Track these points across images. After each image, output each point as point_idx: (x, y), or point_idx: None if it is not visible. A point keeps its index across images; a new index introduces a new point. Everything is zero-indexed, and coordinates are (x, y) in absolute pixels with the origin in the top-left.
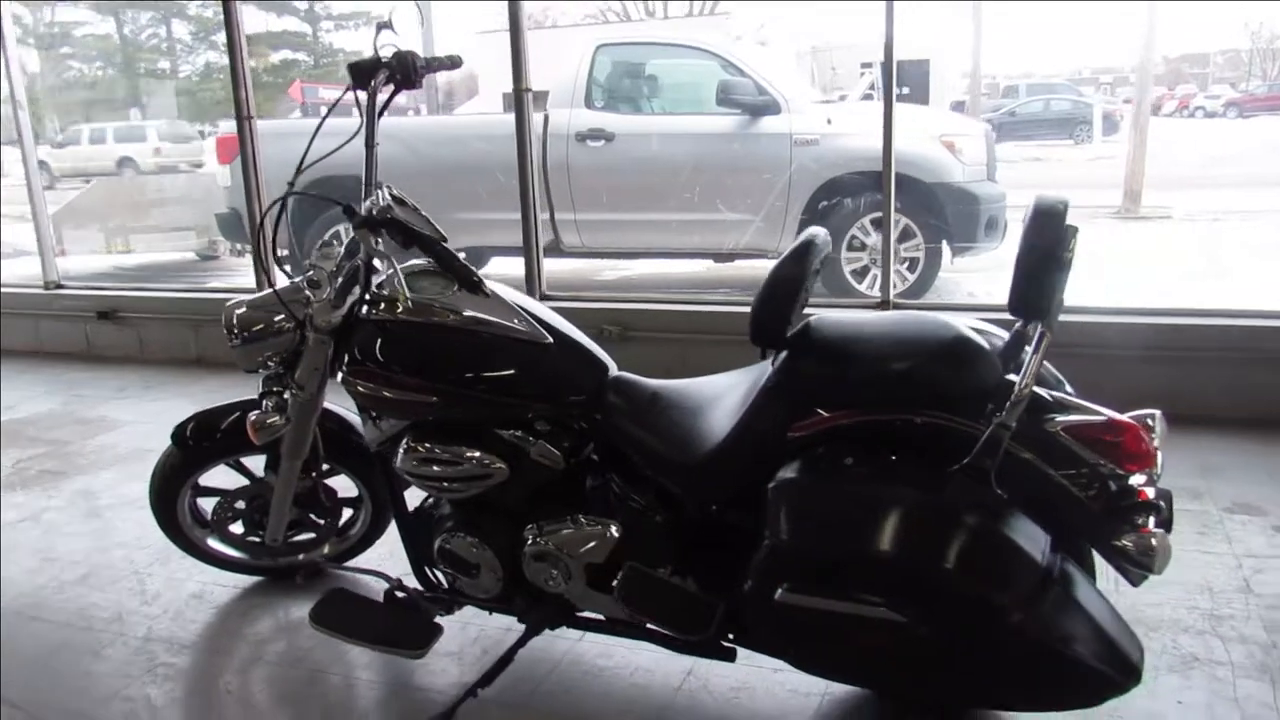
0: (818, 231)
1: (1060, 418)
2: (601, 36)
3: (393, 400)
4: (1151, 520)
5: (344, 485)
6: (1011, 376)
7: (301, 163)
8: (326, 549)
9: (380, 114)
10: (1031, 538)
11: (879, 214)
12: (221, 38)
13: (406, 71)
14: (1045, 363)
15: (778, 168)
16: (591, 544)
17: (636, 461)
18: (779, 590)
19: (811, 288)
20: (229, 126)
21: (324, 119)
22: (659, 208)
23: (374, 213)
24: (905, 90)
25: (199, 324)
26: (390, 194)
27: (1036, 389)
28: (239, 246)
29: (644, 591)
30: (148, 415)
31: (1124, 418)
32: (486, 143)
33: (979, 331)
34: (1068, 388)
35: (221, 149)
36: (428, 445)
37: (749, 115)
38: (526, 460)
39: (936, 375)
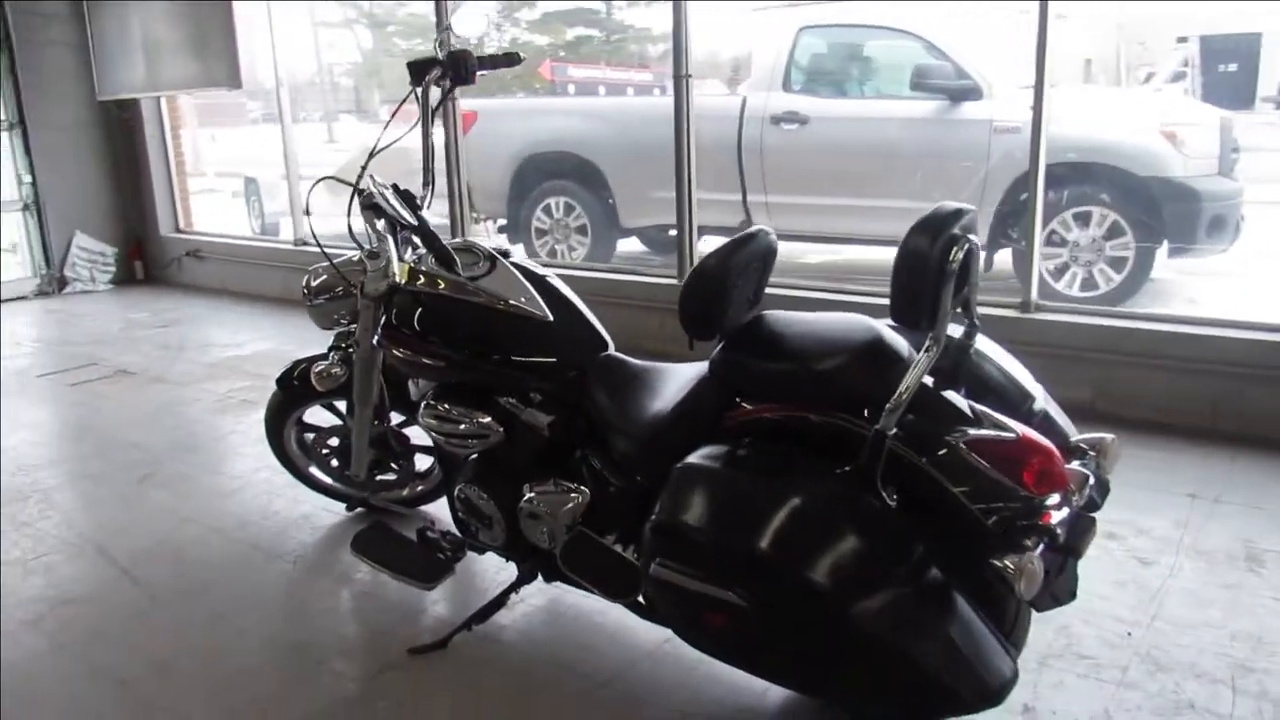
0: (758, 230)
1: (971, 431)
2: (806, 18)
3: (412, 362)
4: (1040, 545)
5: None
6: (927, 381)
7: (374, 149)
8: (405, 491)
9: (437, 108)
10: (891, 542)
11: (1083, 208)
12: (524, 14)
13: (459, 69)
14: (1016, 371)
15: (975, 156)
16: (565, 506)
17: (601, 433)
18: (653, 564)
19: (753, 283)
20: (467, 104)
21: (394, 113)
22: (849, 193)
23: (363, 198)
24: (1231, 68)
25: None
26: (386, 185)
27: (959, 401)
28: (476, 214)
29: (581, 554)
30: None
31: (1038, 439)
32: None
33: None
34: (1036, 400)
35: (462, 124)
36: (444, 405)
37: (948, 100)
38: (519, 424)
39: (844, 377)
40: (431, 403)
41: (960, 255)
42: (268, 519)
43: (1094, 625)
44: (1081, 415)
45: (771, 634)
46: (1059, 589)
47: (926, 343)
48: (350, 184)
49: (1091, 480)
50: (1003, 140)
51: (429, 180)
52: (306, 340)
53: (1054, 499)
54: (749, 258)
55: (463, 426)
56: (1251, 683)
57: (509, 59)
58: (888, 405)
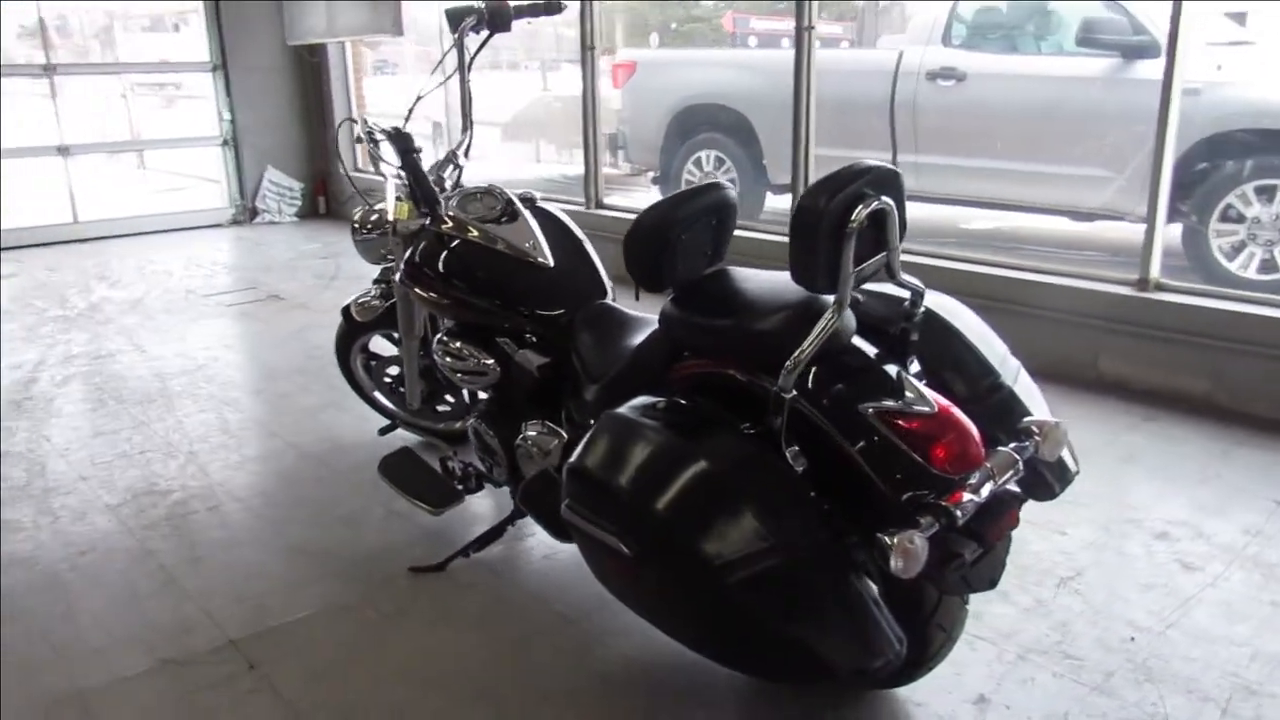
0: (712, 184)
1: (885, 402)
2: None
3: (427, 299)
4: (934, 526)
5: None
6: (869, 351)
7: (417, 99)
8: (459, 424)
9: (474, 56)
10: (780, 507)
11: (1270, 181)
12: None
13: (496, 18)
14: (984, 344)
15: (1149, 119)
16: (548, 448)
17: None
18: (563, 505)
19: (709, 237)
20: (626, 54)
21: (440, 61)
22: (1006, 155)
23: (365, 135)
24: None
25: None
26: (384, 128)
27: (889, 371)
28: (632, 165)
29: (534, 493)
30: None
31: (956, 416)
32: (844, 79)
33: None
34: (999, 377)
35: (616, 74)
36: (454, 342)
37: (1121, 58)
38: (513, 365)
39: (770, 337)
40: (444, 339)
41: (863, 214)
42: (340, 438)
43: (1099, 626)
44: (1194, 408)
45: (655, 587)
46: (974, 575)
47: (831, 306)
48: (383, 132)
49: (1019, 465)
50: (1181, 103)
51: (467, 125)
52: None
53: (973, 479)
54: (699, 211)
55: (466, 363)
56: (1248, 708)
57: (548, 7)
58: (785, 365)
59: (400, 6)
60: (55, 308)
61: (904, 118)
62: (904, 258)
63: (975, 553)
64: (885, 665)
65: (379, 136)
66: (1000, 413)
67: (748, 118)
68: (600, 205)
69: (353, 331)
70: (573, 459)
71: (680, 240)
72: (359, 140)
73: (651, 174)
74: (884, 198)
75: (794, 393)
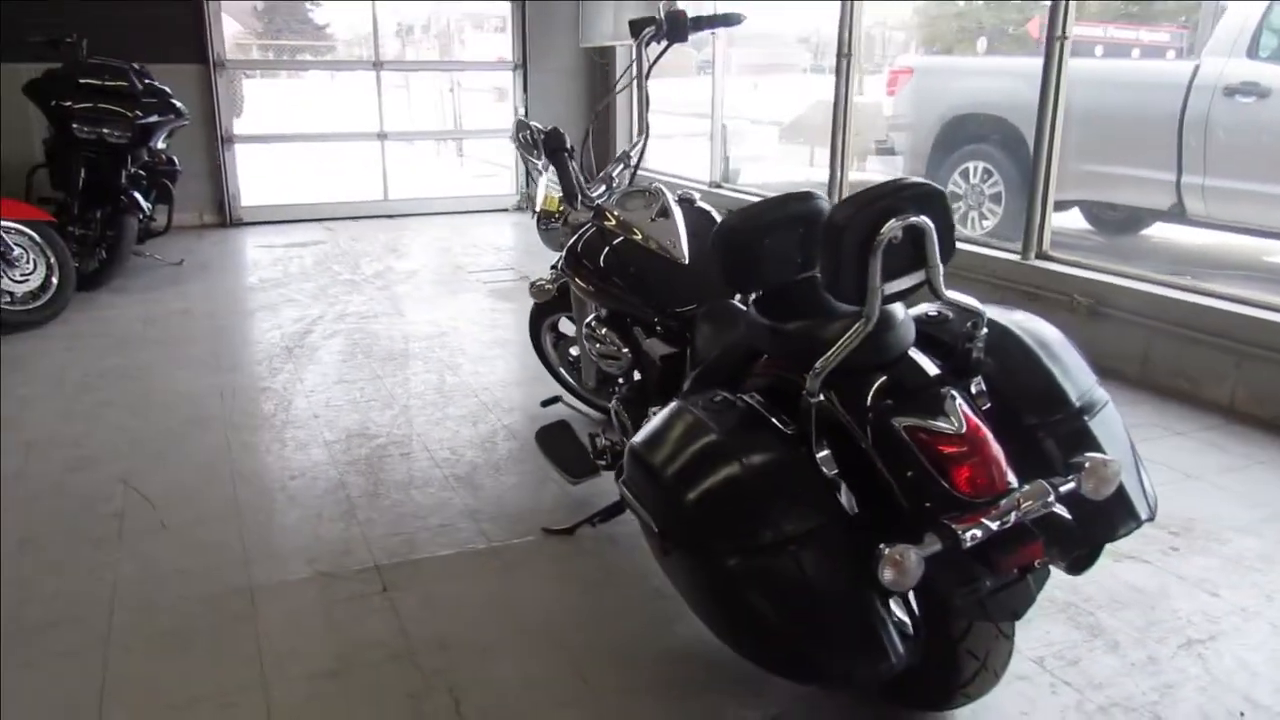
0: (806, 192)
1: (913, 418)
2: None
3: (577, 285)
4: (935, 545)
5: None
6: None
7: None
8: None
9: (652, 64)
10: (795, 507)
11: None
12: None
13: (674, 28)
14: (1065, 374)
15: None
16: None
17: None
18: (620, 479)
19: (795, 244)
20: (905, 60)
21: (628, 68)
22: None
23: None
24: None
25: None
26: (541, 127)
27: (941, 388)
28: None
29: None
30: None
31: (984, 439)
32: (1128, 91)
33: (929, 314)
34: (1069, 409)
35: (893, 81)
36: (600, 328)
37: None
38: (642, 354)
39: (816, 343)
40: (591, 324)
41: (895, 229)
42: (532, 408)
43: (1209, 695)
44: None
45: (678, 565)
46: (993, 603)
47: (861, 319)
48: (532, 132)
49: (1051, 498)
50: None
51: (642, 128)
52: None
53: (998, 506)
54: (786, 219)
55: (606, 348)
56: None
57: (726, 19)
58: (813, 369)
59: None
60: (347, 273)
61: (1193, 136)
62: (1166, 291)
63: (996, 581)
64: (874, 674)
65: (537, 135)
66: (1068, 445)
67: (1020, 130)
68: None
69: (543, 311)
70: (633, 439)
71: (764, 245)
72: (515, 139)
73: None
74: (920, 215)
75: (820, 397)
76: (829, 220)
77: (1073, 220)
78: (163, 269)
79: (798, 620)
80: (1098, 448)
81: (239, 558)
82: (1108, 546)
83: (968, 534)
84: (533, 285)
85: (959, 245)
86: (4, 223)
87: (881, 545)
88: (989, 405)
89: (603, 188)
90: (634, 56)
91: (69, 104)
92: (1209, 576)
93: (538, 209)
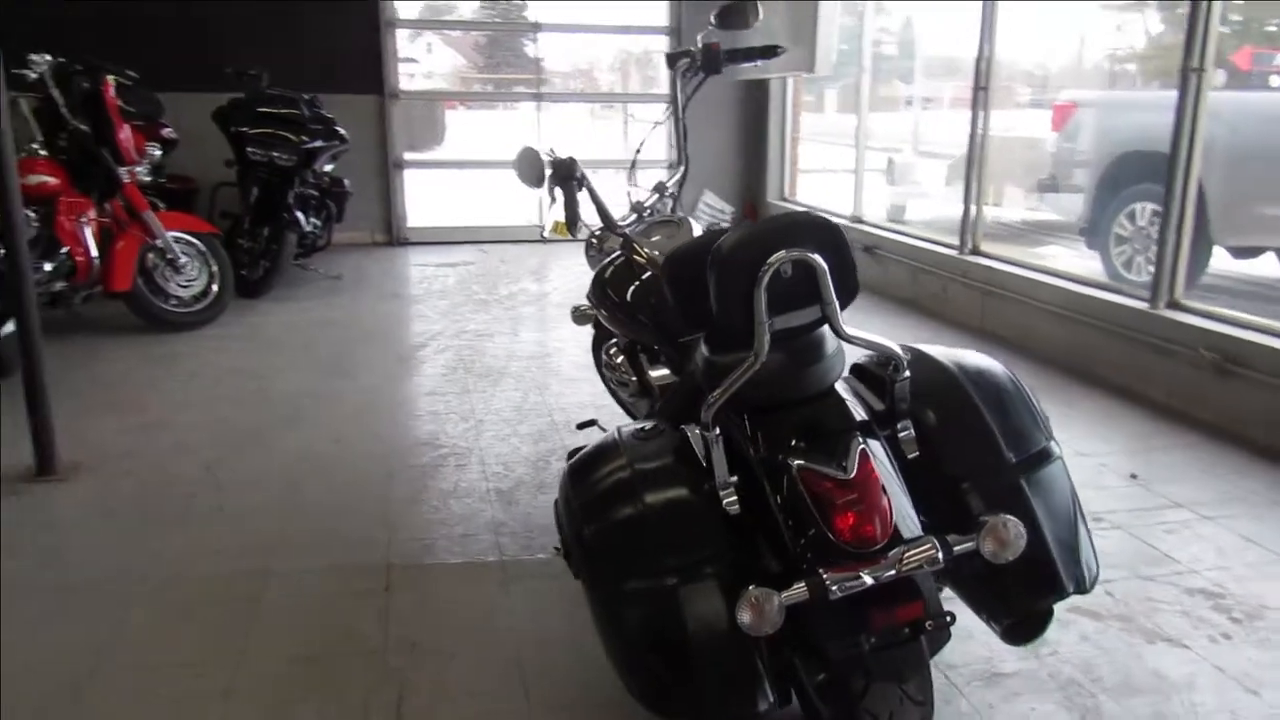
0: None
1: (806, 461)
2: None
3: (598, 309)
4: (803, 592)
5: None
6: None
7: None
8: None
9: (690, 96)
10: (679, 538)
11: None
12: None
13: (709, 61)
14: (1004, 424)
15: None
16: None
17: None
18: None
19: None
20: (1067, 95)
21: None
22: None
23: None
24: None
25: (918, 270)
26: (564, 158)
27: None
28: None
29: None
30: None
31: (871, 490)
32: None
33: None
34: (1022, 447)
35: (1058, 116)
36: (614, 353)
37: None
38: (645, 378)
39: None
40: (609, 350)
41: (785, 265)
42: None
43: None
44: None
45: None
46: (874, 661)
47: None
48: (553, 155)
49: (939, 558)
50: None
51: (681, 160)
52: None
53: (881, 559)
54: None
55: (616, 373)
56: None
57: (764, 51)
58: (705, 403)
59: (814, 47)
60: (482, 292)
61: None
62: None
63: (880, 637)
64: (698, 713)
65: (545, 163)
66: (993, 502)
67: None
68: (976, 252)
69: (604, 333)
70: (569, 462)
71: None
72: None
73: (1081, 224)
74: (807, 252)
75: (715, 431)
76: (715, 251)
77: (1269, 267)
78: (321, 282)
79: (666, 655)
80: (1026, 508)
81: (270, 544)
82: (1149, 621)
83: (836, 584)
84: (574, 310)
85: (1080, 290)
86: (174, 234)
87: (750, 587)
88: (916, 454)
89: (634, 217)
90: (670, 88)
91: (246, 129)
92: (1255, 672)
93: (546, 233)
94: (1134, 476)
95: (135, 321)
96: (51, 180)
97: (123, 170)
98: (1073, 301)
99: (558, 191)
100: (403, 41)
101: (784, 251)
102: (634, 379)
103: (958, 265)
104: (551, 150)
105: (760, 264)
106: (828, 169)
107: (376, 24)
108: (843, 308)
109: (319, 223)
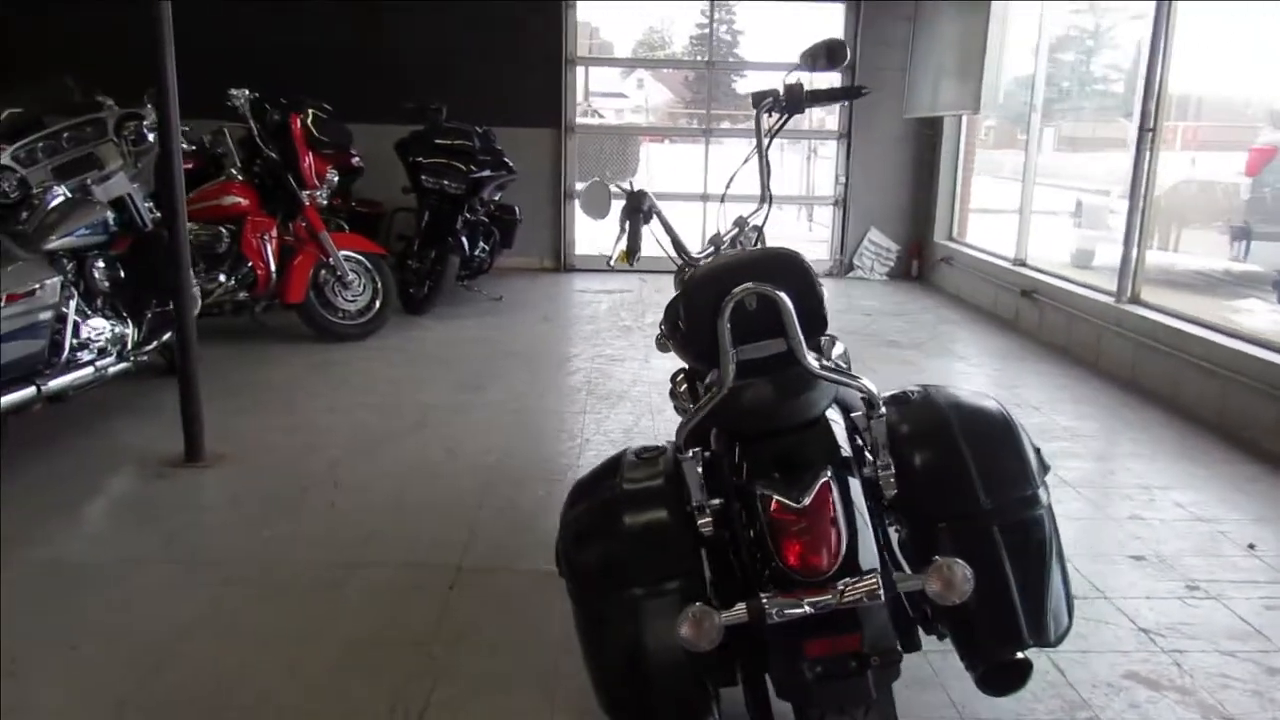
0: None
1: (769, 488)
2: None
3: (667, 338)
4: (742, 614)
5: None
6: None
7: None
8: None
9: (772, 136)
10: (640, 559)
11: None
12: None
13: (791, 101)
14: (984, 466)
15: None
16: None
17: None
18: None
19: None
20: (1268, 138)
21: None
22: None
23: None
24: None
25: (1074, 317)
26: (633, 190)
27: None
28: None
29: None
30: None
31: (821, 520)
32: None
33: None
34: (997, 494)
35: (1255, 160)
36: (682, 384)
37: None
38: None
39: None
40: (675, 379)
41: (748, 297)
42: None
43: None
44: None
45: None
46: (820, 690)
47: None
48: (622, 189)
49: (879, 593)
50: None
51: (765, 197)
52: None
53: (822, 587)
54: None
55: (679, 400)
56: None
57: (847, 92)
58: (678, 427)
59: (980, 86)
60: (629, 319)
61: None
62: None
63: (825, 666)
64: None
65: (615, 191)
66: (962, 545)
67: None
68: (1135, 300)
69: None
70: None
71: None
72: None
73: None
74: (770, 286)
75: (688, 454)
76: (685, 283)
77: None
78: (483, 303)
79: (625, 670)
80: (993, 555)
81: (364, 540)
82: (1212, 697)
83: (775, 609)
84: (657, 338)
85: (1241, 348)
86: (345, 252)
87: (695, 604)
88: (894, 492)
89: (711, 249)
90: (755, 127)
91: (421, 159)
92: None
93: (612, 261)
94: (1251, 547)
95: (306, 331)
96: (244, 201)
97: (304, 194)
98: (1231, 360)
99: (627, 223)
100: (614, 78)
101: (747, 284)
102: (691, 405)
103: (1113, 314)
104: (631, 183)
105: (721, 295)
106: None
107: (559, 61)
108: (810, 341)
109: (487, 247)
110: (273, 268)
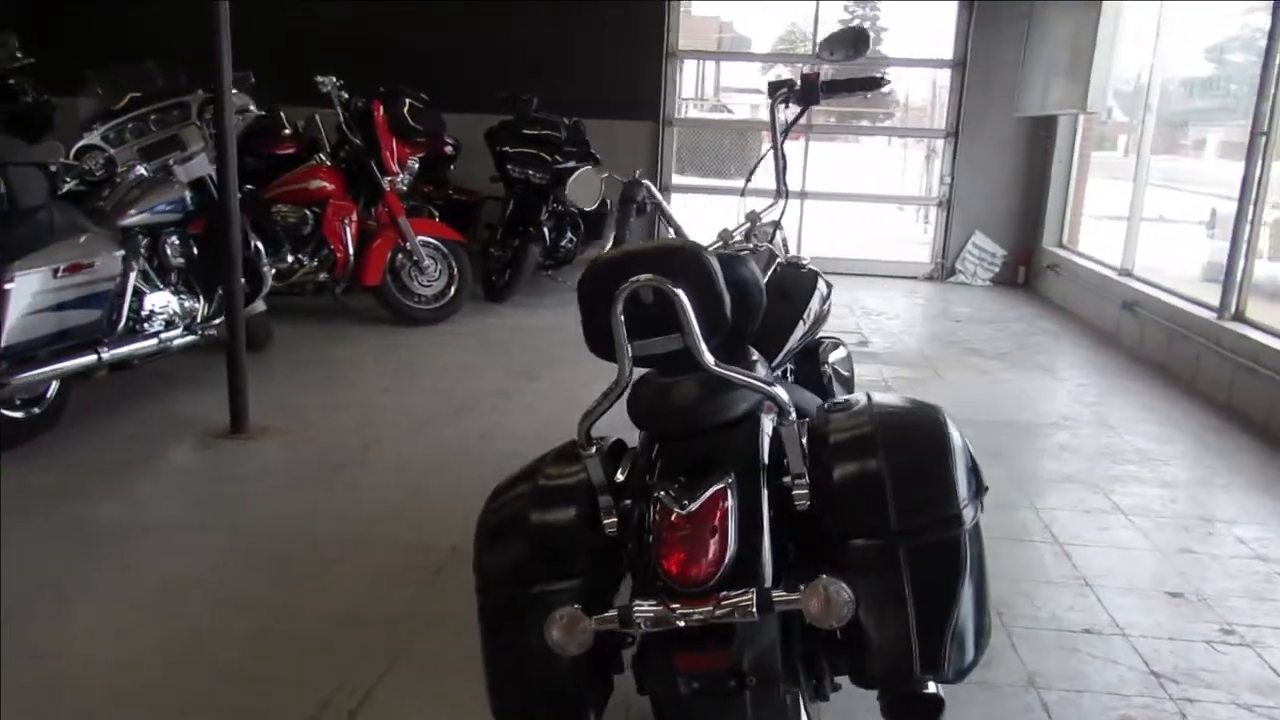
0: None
1: (669, 492)
2: None
3: None
4: (613, 619)
5: None
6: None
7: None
8: None
9: (790, 126)
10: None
11: None
12: None
13: (807, 92)
14: (910, 478)
15: None
16: None
17: None
18: None
19: None
20: None
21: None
22: None
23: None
24: None
25: (1174, 333)
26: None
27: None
28: None
29: None
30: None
31: (704, 530)
32: None
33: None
34: (912, 517)
35: None
36: None
37: None
38: None
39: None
40: None
41: (642, 290)
42: None
43: None
44: None
45: None
46: (697, 708)
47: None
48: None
49: (753, 610)
50: None
51: (781, 191)
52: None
53: (695, 599)
54: None
55: None
56: None
57: (864, 83)
58: (579, 423)
59: (1088, 85)
60: None
61: None
62: None
63: (702, 682)
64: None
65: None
66: (865, 565)
67: None
68: (1239, 318)
69: None
70: None
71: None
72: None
73: None
74: (660, 279)
75: (591, 451)
76: (584, 273)
77: None
78: (565, 293)
79: (509, 671)
80: (894, 580)
81: (377, 518)
82: None
83: (643, 618)
84: None
85: None
86: (423, 238)
87: (569, 607)
88: (806, 505)
89: (720, 244)
90: (770, 119)
91: (508, 149)
92: None
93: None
94: None
95: (382, 313)
96: (329, 185)
97: (385, 180)
98: None
99: (619, 213)
100: (751, 71)
101: (639, 277)
102: None
103: (1211, 331)
104: (637, 173)
105: (613, 287)
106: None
107: (661, 55)
108: (712, 339)
109: (574, 238)
110: (351, 250)
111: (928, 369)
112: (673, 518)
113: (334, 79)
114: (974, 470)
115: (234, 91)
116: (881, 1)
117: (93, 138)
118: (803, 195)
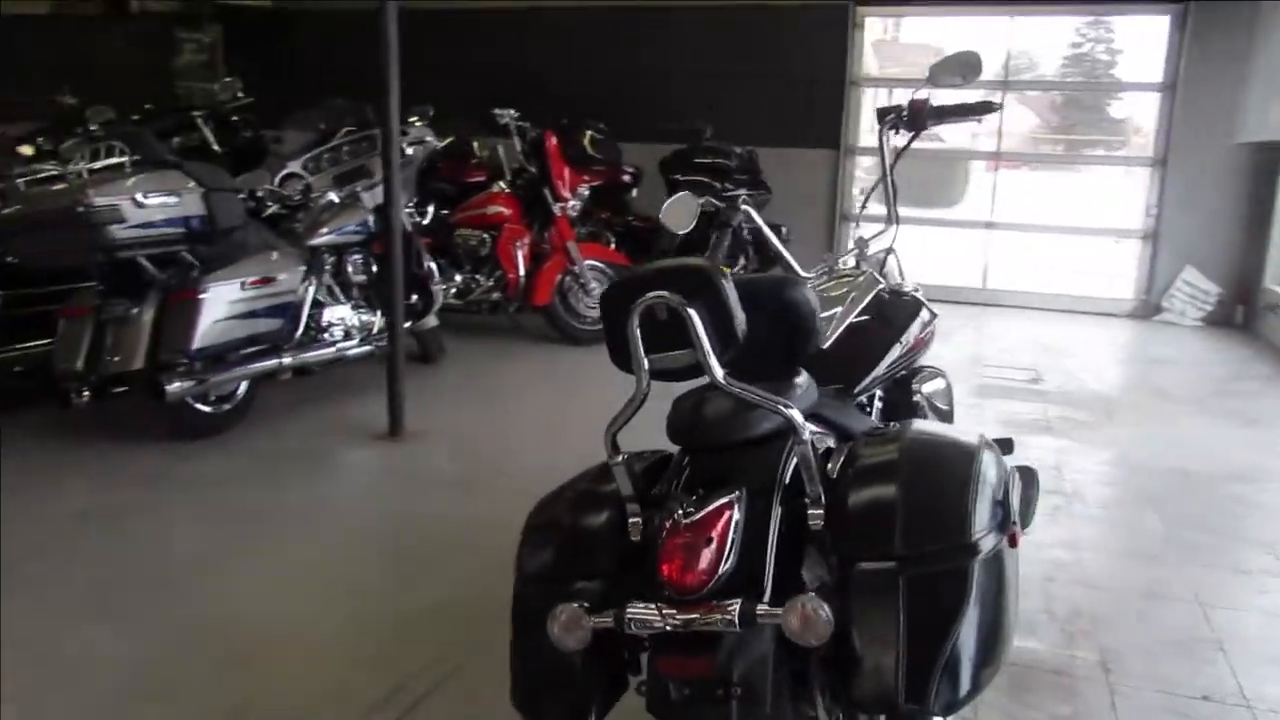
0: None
1: (685, 505)
2: None
3: None
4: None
5: None
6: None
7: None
8: None
9: (899, 154)
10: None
11: None
12: None
13: (915, 118)
14: (918, 505)
15: None
16: None
17: None
18: None
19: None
20: None
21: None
22: None
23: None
24: None
25: None
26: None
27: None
28: None
29: None
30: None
31: (700, 540)
32: None
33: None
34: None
35: None
36: None
37: None
38: None
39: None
40: None
41: (657, 307)
42: None
43: None
44: None
45: None
46: (685, 713)
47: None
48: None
49: (735, 621)
50: None
51: (892, 218)
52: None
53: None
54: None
55: None
56: None
57: (973, 108)
58: (606, 432)
59: None
60: None
61: None
62: None
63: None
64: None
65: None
66: (866, 592)
67: None
68: None
69: None
70: None
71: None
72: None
73: None
74: (671, 296)
75: (619, 459)
76: (604, 295)
77: None
78: None
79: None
80: (890, 606)
81: (498, 523)
82: None
83: (631, 619)
84: None
85: None
86: (590, 261)
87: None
88: (819, 525)
89: (824, 269)
90: (879, 145)
91: (679, 177)
92: None
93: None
94: None
95: (551, 333)
96: (505, 210)
97: (556, 206)
98: None
99: (714, 237)
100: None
101: (652, 294)
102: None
103: None
104: (735, 200)
105: (630, 302)
106: None
107: (841, 82)
108: (724, 356)
109: (744, 262)
110: (521, 272)
111: (1100, 411)
112: (676, 525)
113: (512, 112)
114: (1002, 502)
115: (416, 122)
116: (1115, 18)
117: (294, 166)
118: (989, 225)
